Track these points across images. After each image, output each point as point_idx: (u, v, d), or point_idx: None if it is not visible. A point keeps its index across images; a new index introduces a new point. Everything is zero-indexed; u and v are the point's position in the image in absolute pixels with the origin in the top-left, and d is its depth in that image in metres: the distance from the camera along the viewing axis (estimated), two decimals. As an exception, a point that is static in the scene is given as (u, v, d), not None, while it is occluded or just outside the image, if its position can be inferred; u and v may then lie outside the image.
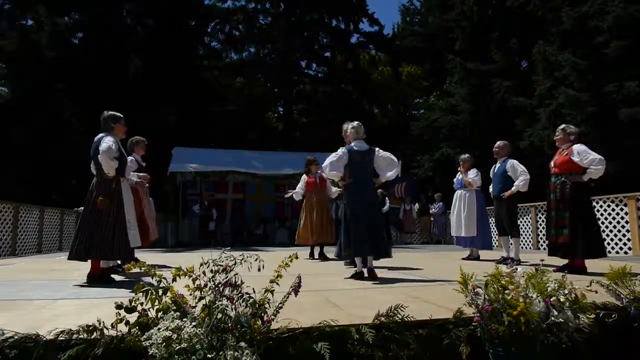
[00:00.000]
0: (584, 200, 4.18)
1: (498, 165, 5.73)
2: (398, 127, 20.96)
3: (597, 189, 8.71)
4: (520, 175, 5.28)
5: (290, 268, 1.86)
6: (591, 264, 4.29)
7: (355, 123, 4.07)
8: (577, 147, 4.19)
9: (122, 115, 3.92)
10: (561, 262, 4.34)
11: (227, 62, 23.56)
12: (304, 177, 6.61)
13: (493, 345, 1.85)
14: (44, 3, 16.41)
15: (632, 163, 10.92)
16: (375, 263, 3.90)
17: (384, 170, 3.94)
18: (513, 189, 5.31)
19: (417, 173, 17.48)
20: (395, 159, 3.98)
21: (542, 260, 4.38)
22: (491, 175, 5.95)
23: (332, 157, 3.93)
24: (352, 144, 3.99)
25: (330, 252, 6.50)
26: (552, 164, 4.44)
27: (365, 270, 3.79)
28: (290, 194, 6.64)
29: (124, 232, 3.67)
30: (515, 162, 5.46)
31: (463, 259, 6.22)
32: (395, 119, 23.77)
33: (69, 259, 3.62)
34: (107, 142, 3.58)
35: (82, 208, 3.79)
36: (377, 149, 3.99)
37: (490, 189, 5.90)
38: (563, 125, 4.48)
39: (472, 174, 6.32)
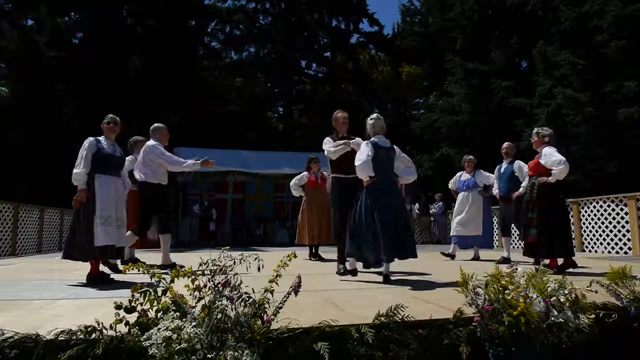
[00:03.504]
0: (553, 201, 4.22)
1: (505, 165, 5.74)
2: (398, 127, 20.97)
3: (597, 189, 8.73)
4: (527, 177, 5.32)
5: (290, 268, 1.86)
6: (591, 264, 4.29)
7: (375, 115, 3.83)
8: (545, 150, 4.28)
9: (109, 116, 3.97)
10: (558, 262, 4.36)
11: (227, 62, 23.56)
12: (305, 174, 6.59)
13: (493, 345, 1.85)
14: (44, 3, 16.41)
15: (632, 163, 10.92)
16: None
17: (403, 172, 3.72)
18: (521, 189, 5.35)
19: (417, 173, 17.48)
20: (413, 164, 3.76)
21: (542, 260, 4.40)
22: (495, 176, 5.95)
23: (362, 154, 3.61)
24: (374, 138, 3.75)
25: (328, 252, 6.49)
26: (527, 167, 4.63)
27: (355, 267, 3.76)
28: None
29: (89, 231, 3.56)
30: (522, 163, 5.55)
31: (444, 254, 6.28)
32: (395, 119, 23.77)
33: (62, 257, 3.76)
34: (80, 151, 3.71)
35: None
36: (396, 147, 3.78)
37: (495, 190, 5.89)
38: (536, 129, 4.57)
39: (480, 175, 6.32)
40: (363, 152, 3.59)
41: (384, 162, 3.64)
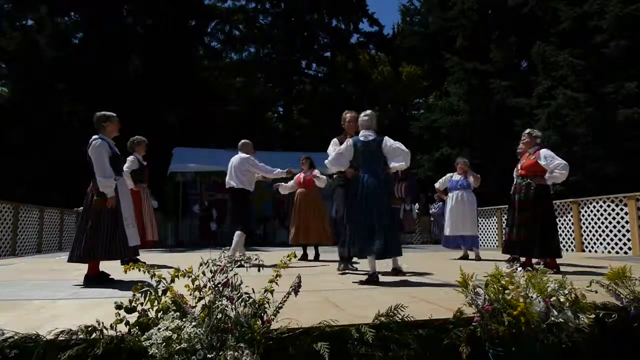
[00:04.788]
0: (546, 202, 4.34)
1: None
2: (398, 127, 20.97)
3: (598, 189, 8.73)
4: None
5: (290, 268, 1.86)
6: (591, 264, 4.29)
7: (369, 111, 3.87)
8: (544, 152, 4.33)
9: (113, 114, 3.88)
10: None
11: (227, 62, 23.57)
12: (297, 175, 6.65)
13: (493, 345, 1.86)
14: (44, 3, 16.42)
15: (632, 163, 10.92)
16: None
17: (390, 160, 3.69)
18: None
19: (417, 173, 17.48)
20: (404, 148, 3.68)
21: (541, 260, 4.40)
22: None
23: (335, 152, 3.82)
24: (360, 133, 3.83)
25: (328, 251, 6.49)
26: (518, 166, 4.62)
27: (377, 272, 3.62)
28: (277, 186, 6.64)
29: (123, 231, 3.65)
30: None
31: (459, 258, 6.27)
32: (395, 119, 23.77)
33: (68, 261, 3.60)
34: (96, 158, 3.56)
35: (82, 208, 3.78)
36: (385, 138, 3.75)
37: None
38: (528, 130, 4.63)
39: (472, 173, 6.42)
40: (336, 151, 3.84)
41: (364, 155, 3.70)
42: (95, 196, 3.55)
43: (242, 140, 5.61)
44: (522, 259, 4.49)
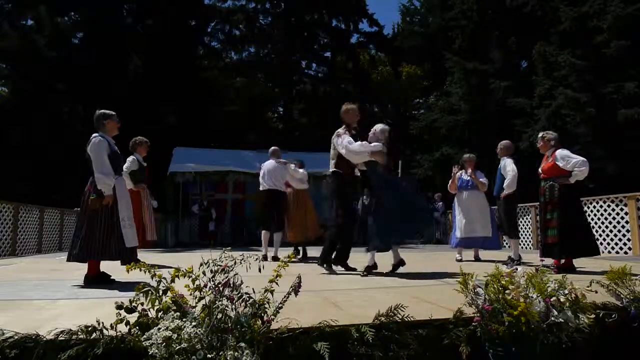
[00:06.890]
0: (572, 202, 4.33)
1: (499, 165, 5.73)
2: (398, 127, 20.98)
3: (598, 189, 8.74)
4: (507, 174, 5.19)
5: (290, 268, 1.86)
6: (591, 264, 4.29)
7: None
8: (560, 153, 4.35)
9: (113, 113, 3.85)
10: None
11: (227, 62, 23.57)
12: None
13: (493, 345, 1.86)
14: (44, 3, 16.42)
15: (632, 163, 10.93)
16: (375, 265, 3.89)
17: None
18: (506, 190, 5.21)
19: (417, 173, 17.49)
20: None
21: (542, 260, 4.41)
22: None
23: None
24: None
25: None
26: (539, 170, 4.62)
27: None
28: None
29: (119, 232, 3.59)
30: (508, 160, 5.31)
31: (458, 260, 6.15)
32: (395, 119, 23.77)
33: (67, 260, 3.60)
34: (96, 155, 3.52)
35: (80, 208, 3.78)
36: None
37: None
38: (542, 133, 4.67)
39: (481, 176, 6.18)
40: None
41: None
42: (91, 195, 3.51)
43: (272, 148, 6.58)
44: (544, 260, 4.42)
